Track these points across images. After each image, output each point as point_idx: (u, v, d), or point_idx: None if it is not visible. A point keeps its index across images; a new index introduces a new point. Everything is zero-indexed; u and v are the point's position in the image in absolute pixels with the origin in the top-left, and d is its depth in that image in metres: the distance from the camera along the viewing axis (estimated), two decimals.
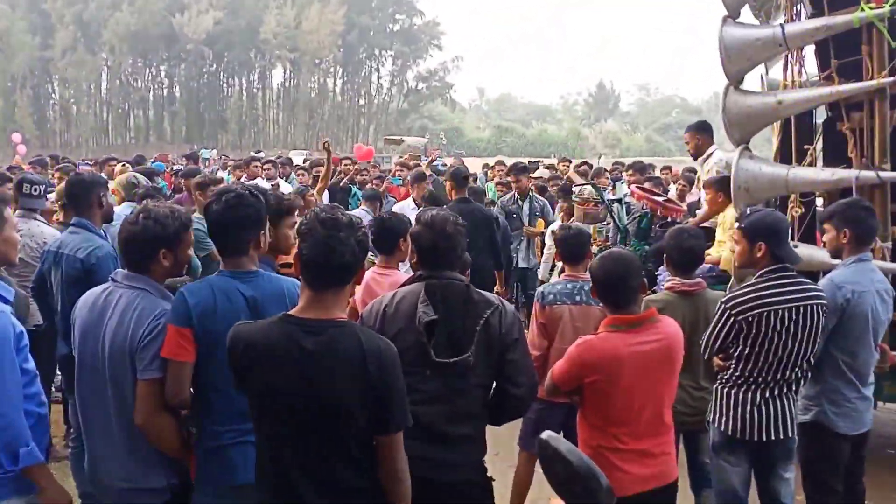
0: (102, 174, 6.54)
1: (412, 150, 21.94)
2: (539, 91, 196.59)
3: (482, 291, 2.61)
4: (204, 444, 2.38)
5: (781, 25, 4.46)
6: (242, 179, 8.54)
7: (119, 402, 2.42)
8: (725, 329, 3.01)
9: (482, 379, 2.53)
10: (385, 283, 3.45)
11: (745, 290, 3.06)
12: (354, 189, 9.01)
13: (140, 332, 2.36)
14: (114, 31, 51.65)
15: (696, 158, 5.91)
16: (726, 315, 3.01)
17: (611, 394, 2.65)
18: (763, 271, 3.03)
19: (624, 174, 9.51)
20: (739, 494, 3.15)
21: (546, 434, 1.43)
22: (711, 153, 5.65)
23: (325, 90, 62.97)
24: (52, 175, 8.23)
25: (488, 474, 2.63)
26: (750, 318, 2.96)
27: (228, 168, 12.83)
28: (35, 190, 4.58)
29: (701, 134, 5.80)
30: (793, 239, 4.57)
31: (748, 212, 3.36)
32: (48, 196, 4.90)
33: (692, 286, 3.45)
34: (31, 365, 2.44)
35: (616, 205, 5.90)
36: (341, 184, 9.03)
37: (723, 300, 3.09)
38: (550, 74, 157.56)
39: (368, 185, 8.85)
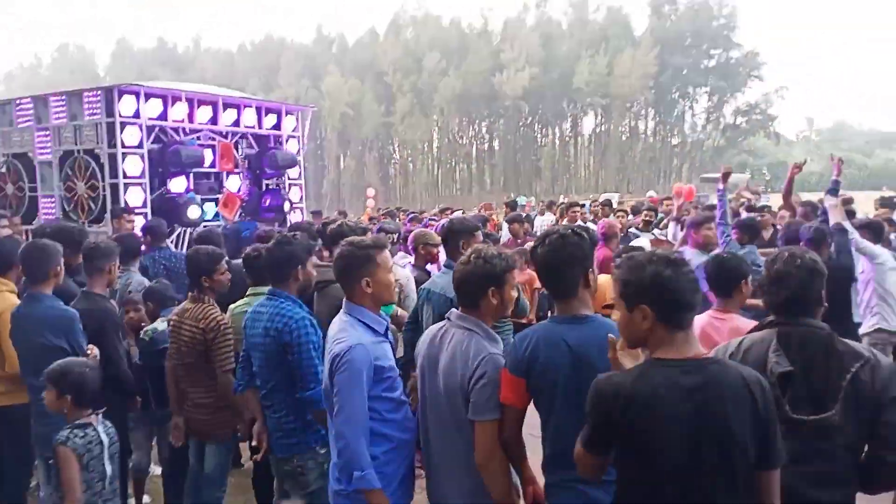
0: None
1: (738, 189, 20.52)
2: (881, 116, 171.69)
3: (848, 341, 2.33)
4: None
5: None
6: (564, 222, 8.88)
7: (457, 424, 2.59)
8: None
9: (850, 441, 2.25)
10: (724, 330, 3.25)
11: None
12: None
13: (468, 373, 2.51)
14: (443, 94, 57.50)
15: None
16: None
17: None
18: None
19: None
20: None
21: None
22: None
23: (636, 132, 62.50)
24: (401, 220, 9.55)
25: None
26: None
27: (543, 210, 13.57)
28: (390, 237, 5.32)
29: None
30: None
31: None
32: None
33: None
34: (396, 394, 2.76)
35: None
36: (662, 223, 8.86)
37: None
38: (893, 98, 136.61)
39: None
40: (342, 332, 2.72)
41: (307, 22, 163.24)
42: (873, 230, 5.72)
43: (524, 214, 11.86)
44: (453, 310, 2.77)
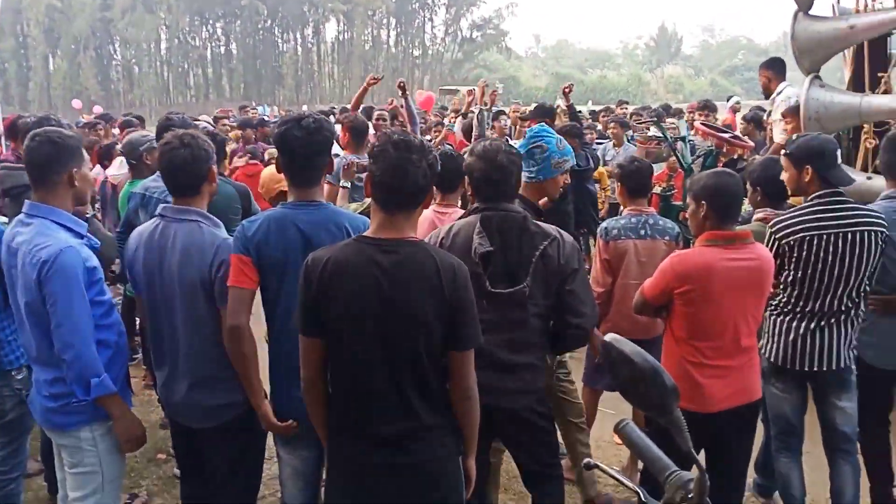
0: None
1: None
2: (598, 36, 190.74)
3: (540, 223, 2.59)
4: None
5: None
6: None
7: (192, 328, 2.50)
8: (771, 254, 2.87)
9: (540, 309, 2.54)
10: (446, 220, 3.41)
11: (790, 213, 2.95)
12: None
13: (207, 264, 2.43)
14: None
15: (767, 97, 5.72)
16: (771, 239, 2.92)
17: (700, 305, 2.63)
18: (812, 196, 2.92)
19: (690, 114, 9.35)
20: (791, 421, 3.10)
21: (610, 336, 1.42)
22: (782, 90, 5.44)
23: (378, 42, 62.63)
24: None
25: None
26: (792, 242, 2.86)
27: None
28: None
29: (770, 70, 5.62)
30: (866, 170, 4.38)
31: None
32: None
33: None
34: (108, 297, 2.53)
35: (680, 143, 5.73)
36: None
37: (769, 225, 2.99)
38: (609, 18, 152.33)
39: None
40: (41, 235, 2.40)
41: None
42: None
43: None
44: (165, 205, 2.60)
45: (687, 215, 2.89)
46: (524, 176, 2.84)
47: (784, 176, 3.06)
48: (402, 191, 1.99)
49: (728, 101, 13.73)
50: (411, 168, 1.96)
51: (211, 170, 2.59)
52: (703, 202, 2.68)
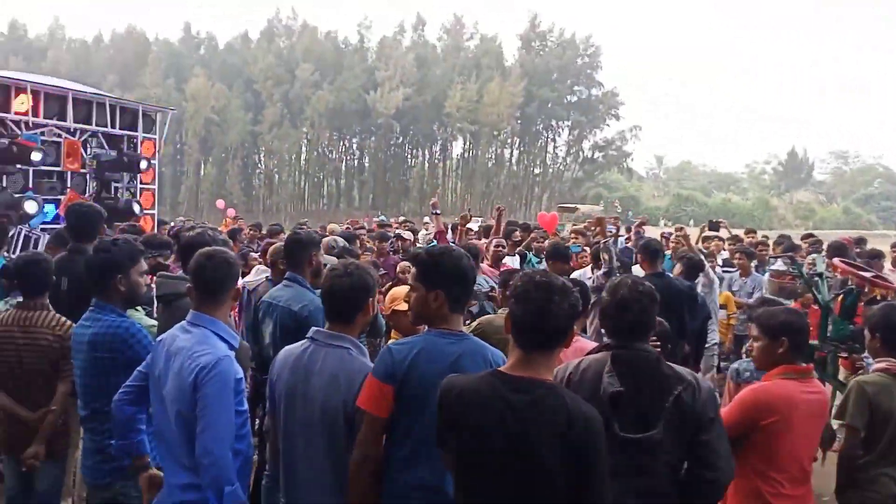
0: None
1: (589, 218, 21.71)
2: (722, 159, 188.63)
3: (674, 365, 2.51)
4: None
5: None
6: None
7: (324, 452, 2.53)
8: None
9: (672, 458, 2.42)
10: (569, 350, 3.39)
11: None
12: (530, 256, 9.06)
13: (353, 393, 2.46)
14: (315, 107, 56.78)
15: None
16: None
17: (782, 436, 2.69)
18: None
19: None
20: None
21: None
22: None
23: (501, 160, 64.66)
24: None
25: None
26: None
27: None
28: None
29: None
30: None
31: None
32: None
33: None
34: (245, 407, 2.64)
35: (817, 279, 5.44)
36: (518, 250, 9.13)
37: None
38: (734, 142, 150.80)
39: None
40: (201, 344, 2.56)
41: (174, 17, 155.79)
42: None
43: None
44: (317, 328, 2.70)
45: (753, 347, 2.98)
46: None
47: None
48: (543, 332, 2.01)
49: None
50: (554, 309, 1.97)
51: (369, 302, 2.68)
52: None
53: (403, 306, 2.81)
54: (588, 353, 2.65)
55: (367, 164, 65.11)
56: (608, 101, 63.53)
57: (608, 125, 64.27)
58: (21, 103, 8.35)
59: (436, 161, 66.56)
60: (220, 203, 31.59)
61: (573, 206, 38.97)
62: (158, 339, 2.78)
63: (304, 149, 63.62)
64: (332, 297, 2.64)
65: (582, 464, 1.91)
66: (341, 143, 65.03)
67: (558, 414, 1.92)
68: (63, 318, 3.71)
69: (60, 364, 3.62)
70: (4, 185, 8.21)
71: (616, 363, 2.47)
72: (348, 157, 66.32)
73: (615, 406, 2.40)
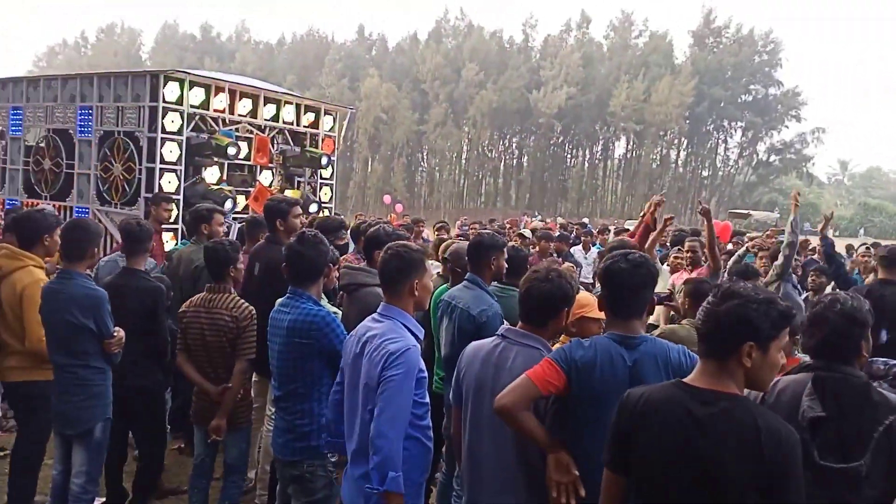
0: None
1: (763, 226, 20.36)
2: None
3: (885, 392, 2.30)
4: None
5: None
6: None
7: (519, 448, 2.58)
8: None
9: (878, 493, 2.21)
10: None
11: None
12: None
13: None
14: (478, 107, 57.66)
15: None
16: None
17: None
18: None
19: None
20: None
21: None
22: None
23: (667, 161, 62.21)
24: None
25: None
26: None
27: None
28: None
29: None
30: None
31: None
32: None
33: None
34: (427, 400, 2.72)
35: None
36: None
37: None
38: None
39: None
40: (392, 332, 2.69)
41: (349, 19, 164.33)
42: None
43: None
44: (508, 326, 2.77)
45: None
46: None
47: None
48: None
49: None
50: (753, 315, 1.86)
51: (564, 311, 2.71)
52: None
53: (596, 313, 2.76)
54: (786, 374, 2.48)
55: (525, 164, 65.14)
56: (788, 102, 59.21)
57: (787, 126, 59.93)
58: (220, 101, 9.17)
59: (596, 161, 65.30)
60: (387, 198, 33.06)
61: (745, 211, 36.69)
62: (352, 333, 2.93)
63: (465, 147, 64.77)
64: (528, 300, 2.69)
65: (775, 482, 1.79)
66: (501, 143, 65.52)
67: (747, 428, 1.81)
68: (241, 301, 4.06)
69: (237, 343, 3.95)
70: (203, 176, 9.05)
71: (817, 385, 2.30)
72: (507, 156, 66.70)
73: (815, 431, 2.24)
